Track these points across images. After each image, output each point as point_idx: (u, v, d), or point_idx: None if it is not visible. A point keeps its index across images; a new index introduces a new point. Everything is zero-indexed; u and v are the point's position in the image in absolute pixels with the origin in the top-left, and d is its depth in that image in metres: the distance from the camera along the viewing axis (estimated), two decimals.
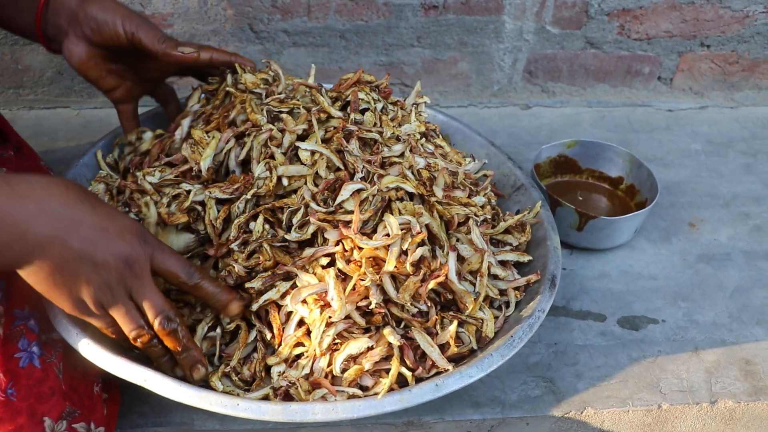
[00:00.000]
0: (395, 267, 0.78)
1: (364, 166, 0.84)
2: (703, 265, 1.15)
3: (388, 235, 0.80)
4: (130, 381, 0.75)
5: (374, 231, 0.82)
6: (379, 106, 0.93)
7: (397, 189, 0.83)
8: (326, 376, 0.79)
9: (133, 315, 0.73)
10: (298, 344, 0.81)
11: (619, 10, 1.34)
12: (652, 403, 0.94)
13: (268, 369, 0.81)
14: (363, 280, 0.78)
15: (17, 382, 0.74)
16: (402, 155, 0.87)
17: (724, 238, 1.20)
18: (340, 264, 0.80)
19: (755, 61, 1.44)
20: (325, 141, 0.86)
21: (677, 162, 1.35)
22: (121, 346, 0.78)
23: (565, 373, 0.97)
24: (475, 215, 0.89)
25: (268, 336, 0.81)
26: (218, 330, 0.82)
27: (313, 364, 0.79)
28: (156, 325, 0.74)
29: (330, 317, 0.79)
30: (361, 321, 0.80)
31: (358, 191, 0.82)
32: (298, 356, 0.81)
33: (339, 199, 0.82)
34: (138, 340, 0.75)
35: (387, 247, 0.80)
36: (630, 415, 0.94)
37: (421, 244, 0.82)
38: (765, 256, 1.17)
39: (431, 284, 0.80)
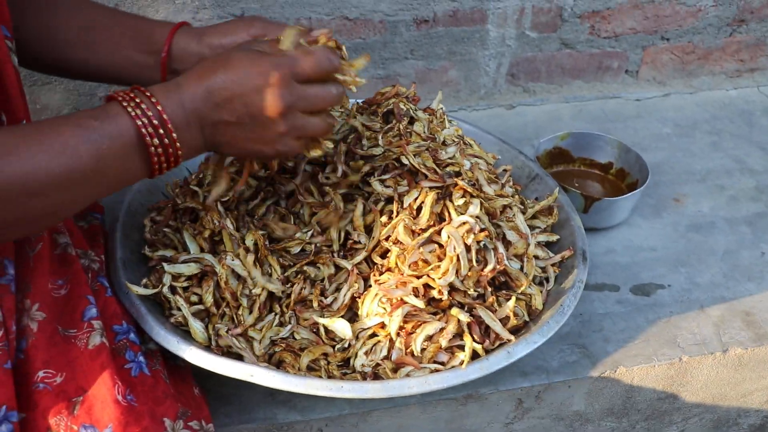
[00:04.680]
0: (468, 271, 0.89)
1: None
2: (693, 234, 1.29)
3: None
4: (237, 378, 0.83)
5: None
6: (421, 114, 1.03)
7: (455, 185, 0.94)
8: None
9: (309, 124, 0.82)
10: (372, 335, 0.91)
11: (589, 12, 1.47)
12: (673, 357, 1.06)
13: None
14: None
15: (134, 389, 0.80)
16: (454, 156, 0.97)
17: (706, 209, 1.34)
18: (405, 268, 0.90)
19: (709, 49, 1.60)
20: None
21: (653, 145, 1.49)
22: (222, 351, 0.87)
23: (594, 338, 1.08)
24: (521, 204, 1.00)
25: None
26: None
27: (390, 349, 0.89)
28: (335, 100, 0.84)
29: (398, 298, 0.88)
30: (421, 304, 0.89)
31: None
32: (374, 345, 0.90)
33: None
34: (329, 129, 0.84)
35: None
36: (656, 369, 1.06)
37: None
38: (744, 222, 1.31)
39: (492, 273, 0.91)
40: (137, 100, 0.74)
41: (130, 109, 0.73)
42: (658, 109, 1.61)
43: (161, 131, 0.74)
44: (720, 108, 1.62)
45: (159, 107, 0.74)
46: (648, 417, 1.13)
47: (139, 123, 0.73)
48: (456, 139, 1.04)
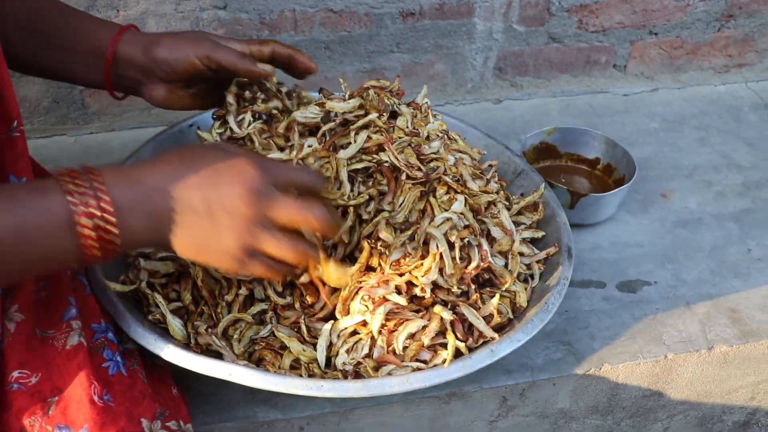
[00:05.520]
0: (453, 270, 0.88)
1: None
2: (680, 229, 1.28)
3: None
4: (215, 377, 0.82)
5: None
6: (405, 109, 1.01)
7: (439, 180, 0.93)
8: None
9: (284, 242, 0.74)
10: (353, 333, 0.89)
11: (577, 6, 1.46)
12: (659, 354, 1.06)
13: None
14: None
15: (111, 389, 0.79)
16: (438, 151, 0.96)
17: (693, 205, 1.34)
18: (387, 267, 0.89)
19: (697, 44, 1.59)
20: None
21: (641, 140, 1.49)
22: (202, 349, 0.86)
23: (580, 335, 1.07)
24: (506, 200, 0.99)
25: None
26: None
27: (372, 347, 0.88)
28: (315, 224, 0.74)
29: (381, 296, 0.87)
30: (403, 302, 0.88)
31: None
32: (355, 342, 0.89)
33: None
34: (301, 263, 0.76)
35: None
36: (641, 366, 1.05)
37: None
38: (731, 218, 1.31)
39: (476, 270, 0.90)
40: (75, 176, 0.68)
41: (64, 185, 0.67)
42: (645, 104, 1.60)
43: (96, 211, 0.67)
44: (708, 103, 1.62)
45: (101, 184, 0.68)
46: (633, 414, 1.12)
47: (70, 198, 0.66)
48: (440, 134, 1.02)
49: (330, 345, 0.89)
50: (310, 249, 0.76)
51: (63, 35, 0.93)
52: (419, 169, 0.92)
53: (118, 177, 0.70)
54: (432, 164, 0.95)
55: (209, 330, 0.87)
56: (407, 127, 0.99)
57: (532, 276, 0.99)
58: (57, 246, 0.68)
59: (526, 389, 1.02)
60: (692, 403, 1.14)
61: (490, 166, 1.13)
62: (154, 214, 0.70)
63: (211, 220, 0.71)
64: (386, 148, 0.92)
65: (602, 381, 1.05)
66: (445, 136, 1.02)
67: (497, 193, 1.03)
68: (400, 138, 0.95)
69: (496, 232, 0.96)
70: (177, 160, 0.73)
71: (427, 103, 1.11)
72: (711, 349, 1.07)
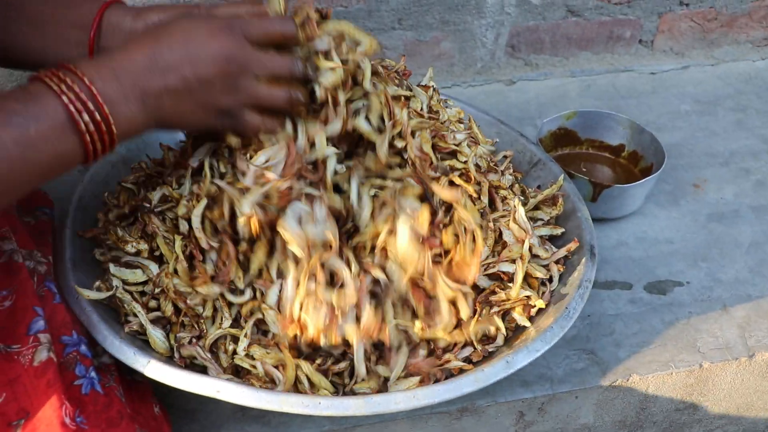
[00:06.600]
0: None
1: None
2: (714, 224, 1.28)
3: None
4: (202, 394, 0.82)
5: None
6: (418, 90, 1.01)
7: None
8: None
9: (269, 91, 0.83)
10: None
11: None
12: (693, 363, 1.06)
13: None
14: None
15: (84, 409, 0.79)
16: (461, 144, 0.96)
17: (730, 196, 1.34)
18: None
19: (733, 16, 1.59)
20: None
21: (670, 124, 1.49)
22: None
23: (604, 343, 1.08)
24: (522, 193, 1.00)
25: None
26: None
27: None
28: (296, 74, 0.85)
29: None
30: None
31: None
32: None
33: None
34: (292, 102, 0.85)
35: None
36: (673, 377, 1.06)
37: None
38: None
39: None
40: (61, 76, 0.74)
41: (54, 86, 0.73)
42: (675, 83, 1.60)
43: (91, 106, 0.74)
44: (745, 81, 1.62)
45: (86, 80, 0.74)
46: (665, 430, 1.13)
47: (65, 99, 0.72)
48: (463, 125, 1.02)
49: None
50: (297, 95, 0.86)
51: (39, 6, 0.91)
52: (431, 164, 0.92)
53: (99, 69, 0.76)
54: (447, 163, 0.95)
55: (194, 341, 0.87)
56: (423, 110, 0.99)
57: (550, 279, 0.99)
58: (61, 148, 0.74)
59: (546, 403, 1.02)
60: (731, 417, 1.14)
61: (505, 157, 1.13)
62: (141, 98, 0.77)
63: (199, 88, 0.80)
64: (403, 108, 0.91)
65: (630, 393, 1.05)
66: (471, 129, 1.02)
67: (511, 186, 1.03)
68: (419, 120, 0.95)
69: (508, 235, 0.96)
70: (151, 40, 0.80)
71: (434, 87, 1.11)
72: (752, 356, 1.08)
